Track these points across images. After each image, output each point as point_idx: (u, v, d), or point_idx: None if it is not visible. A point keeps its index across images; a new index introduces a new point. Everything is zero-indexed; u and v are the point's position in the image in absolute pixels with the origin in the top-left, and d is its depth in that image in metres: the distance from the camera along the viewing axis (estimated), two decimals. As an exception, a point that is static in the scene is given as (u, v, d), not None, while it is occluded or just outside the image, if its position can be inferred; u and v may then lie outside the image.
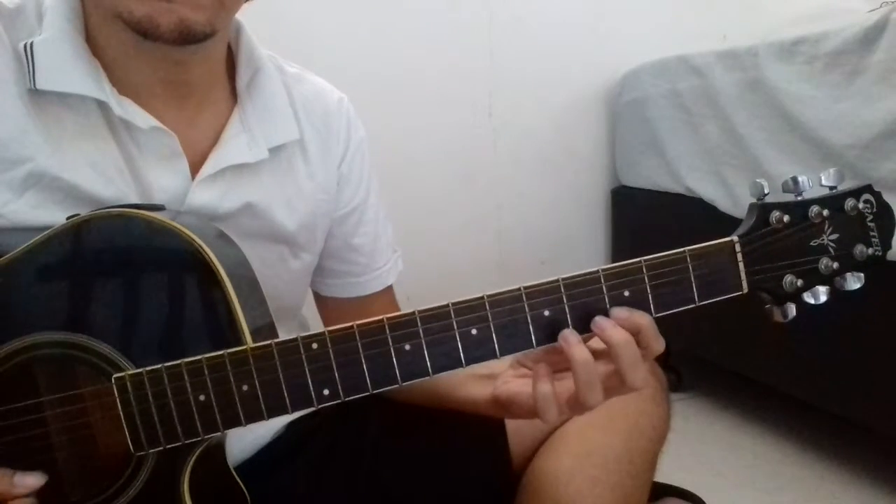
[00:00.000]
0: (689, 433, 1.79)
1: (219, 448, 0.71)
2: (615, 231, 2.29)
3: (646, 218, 2.13)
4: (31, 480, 0.63)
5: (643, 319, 0.65)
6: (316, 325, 0.68)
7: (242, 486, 0.74)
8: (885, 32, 1.34)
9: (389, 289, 1.02)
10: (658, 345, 0.66)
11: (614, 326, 0.65)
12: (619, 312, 0.65)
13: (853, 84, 1.40)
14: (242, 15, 0.81)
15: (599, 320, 0.65)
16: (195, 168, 0.77)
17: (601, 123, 2.25)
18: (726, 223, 1.70)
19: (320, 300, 1.02)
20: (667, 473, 0.98)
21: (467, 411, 0.85)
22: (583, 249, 2.30)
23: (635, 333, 0.65)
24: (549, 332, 0.65)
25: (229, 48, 0.85)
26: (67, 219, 0.65)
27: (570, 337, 0.65)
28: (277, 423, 0.92)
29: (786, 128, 1.56)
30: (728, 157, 1.75)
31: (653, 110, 2.01)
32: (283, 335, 0.64)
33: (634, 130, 2.11)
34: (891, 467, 1.56)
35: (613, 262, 0.66)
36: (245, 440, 0.88)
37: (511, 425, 0.92)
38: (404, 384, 0.64)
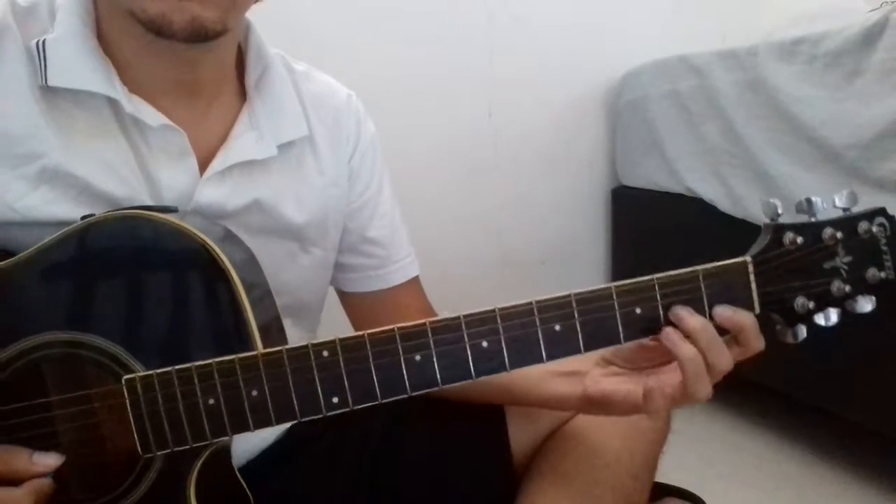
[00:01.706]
0: (689, 433, 1.78)
1: (225, 451, 0.72)
2: (615, 231, 2.28)
3: (646, 218, 2.13)
4: (50, 460, 0.63)
5: (747, 319, 0.67)
6: (325, 332, 0.68)
7: (246, 488, 0.74)
8: (885, 32, 1.34)
9: (415, 281, 1.02)
10: (758, 344, 0.68)
11: (691, 314, 0.66)
12: (723, 311, 0.67)
13: (853, 84, 1.40)
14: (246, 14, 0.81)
15: (677, 309, 0.67)
16: (204, 166, 0.78)
17: (601, 123, 2.25)
18: (726, 223, 1.73)
19: (346, 299, 1.02)
20: (667, 473, 0.99)
21: (548, 408, 0.86)
22: (583, 249, 2.29)
23: (738, 332, 0.67)
24: (561, 348, 0.66)
25: (239, 47, 0.85)
26: (81, 219, 0.66)
27: (672, 335, 0.66)
28: (281, 426, 0.92)
29: (786, 128, 1.56)
30: (728, 157, 1.75)
31: (653, 110, 2.01)
32: (301, 334, 0.64)
33: (634, 130, 2.11)
34: (891, 467, 1.57)
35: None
36: (249, 442, 0.88)
37: (511, 426, 0.93)
38: (413, 394, 0.64)
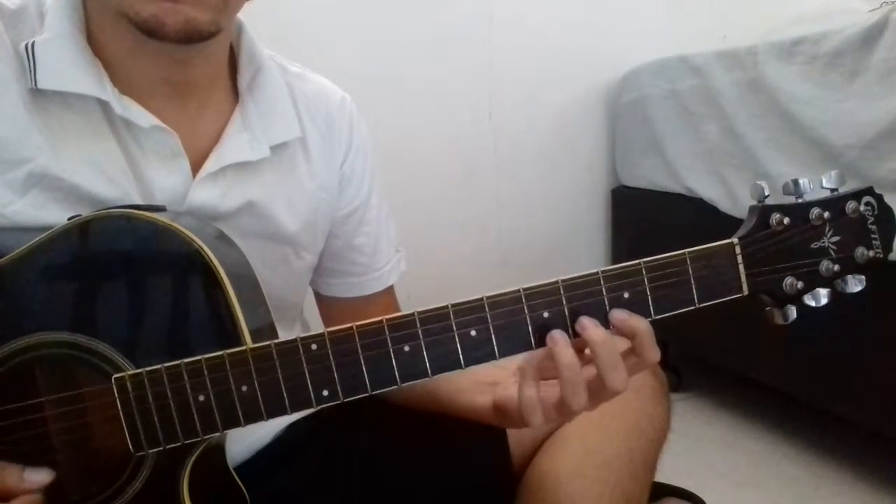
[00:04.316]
0: (689, 433, 1.79)
1: (218, 449, 0.71)
2: (615, 231, 2.29)
3: (646, 218, 2.13)
4: (40, 477, 0.63)
5: (641, 324, 0.65)
6: (317, 328, 0.68)
7: (242, 486, 0.74)
8: (885, 32, 1.34)
9: (390, 289, 1.02)
10: (653, 354, 0.66)
11: (595, 326, 0.64)
12: (618, 314, 0.65)
13: (853, 84, 1.41)
14: (242, 15, 0.81)
15: (583, 319, 0.65)
16: (196, 167, 0.77)
17: (601, 123, 2.25)
18: (726, 223, 1.70)
19: (321, 300, 1.02)
20: (667, 473, 0.98)
21: (468, 418, 0.84)
22: (583, 249, 2.30)
23: (631, 338, 0.65)
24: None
25: (231, 47, 0.85)
26: (69, 219, 0.65)
27: (558, 338, 0.64)
28: (277, 425, 0.92)
29: (786, 128, 1.56)
30: (728, 157, 1.75)
31: (653, 110, 2.01)
32: (286, 336, 0.64)
33: (634, 130, 2.11)
34: (891, 467, 1.56)
35: (613, 262, 0.66)
36: (245, 441, 0.88)
37: (510, 426, 0.92)
38: (403, 385, 0.64)
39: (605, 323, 0.65)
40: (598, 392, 0.66)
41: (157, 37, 0.67)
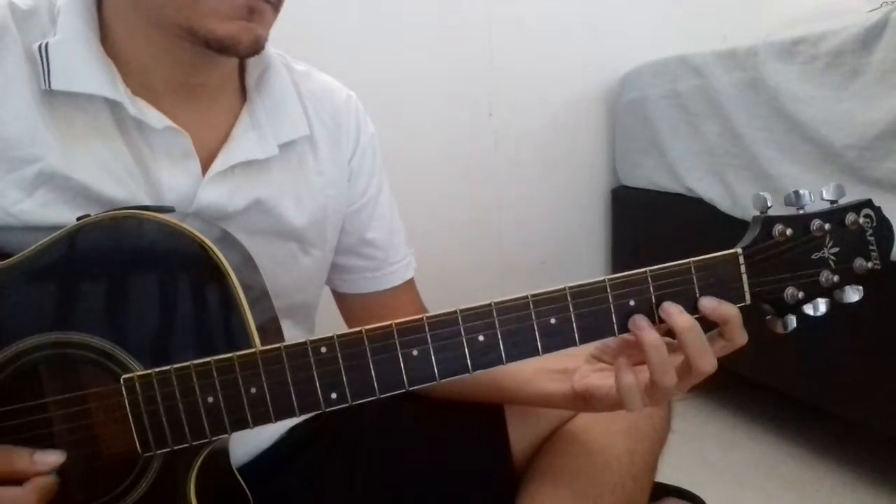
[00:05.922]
0: (689, 433, 1.79)
1: (223, 450, 0.72)
2: (615, 231, 2.29)
3: (646, 218, 2.13)
4: (52, 458, 0.63)
5: (731, 311, 0.67)
6: (321, 329, 0.68)
7: (245, 487, 0.74)
8: (885, 32, 1.34)
9: (410, 283, 1.02)
10: (741, 338, 0.68)
11: (681, 312, 0.66)
12: (708, 302, 0.67)
13: (853, 84, 1.41)
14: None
15: (667, 306, 0.67)
16: (205, 166, 0.78)
17: (601, 123, 2.25)
18: (726, 223, 1.73)
19: (342, 300, 1.02)
20: (667, 473, 0.99)
21: (538, 406, 0.87)
22: (583, 249, 2.29)
23: (722, 324, 0.68)
24: (556, 340, 0.66)
25: None
26: (77, 220, 0.66)
27: (639, 321, 0.66)
28: (280, 427, 0.92)
29: (786, 128, 1.56)
30: (728, 157, 1.75)
31: (653, 110, 2.01)
32: (298, 336, 0.64)
33: (634, 130, 2.11)
34: (891, 467, 1.57)
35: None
36: (248, 443, 0.88)
37: (511, 426, 0.93)
38: (411, 389, 0.64)
39: (612, 330, 0.67)
40: (686, 376, 0.68)
41: (228, 53, 0.71)
